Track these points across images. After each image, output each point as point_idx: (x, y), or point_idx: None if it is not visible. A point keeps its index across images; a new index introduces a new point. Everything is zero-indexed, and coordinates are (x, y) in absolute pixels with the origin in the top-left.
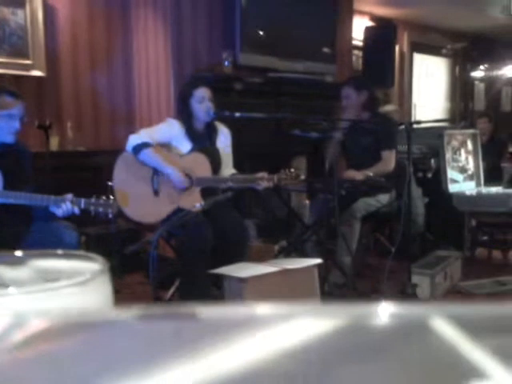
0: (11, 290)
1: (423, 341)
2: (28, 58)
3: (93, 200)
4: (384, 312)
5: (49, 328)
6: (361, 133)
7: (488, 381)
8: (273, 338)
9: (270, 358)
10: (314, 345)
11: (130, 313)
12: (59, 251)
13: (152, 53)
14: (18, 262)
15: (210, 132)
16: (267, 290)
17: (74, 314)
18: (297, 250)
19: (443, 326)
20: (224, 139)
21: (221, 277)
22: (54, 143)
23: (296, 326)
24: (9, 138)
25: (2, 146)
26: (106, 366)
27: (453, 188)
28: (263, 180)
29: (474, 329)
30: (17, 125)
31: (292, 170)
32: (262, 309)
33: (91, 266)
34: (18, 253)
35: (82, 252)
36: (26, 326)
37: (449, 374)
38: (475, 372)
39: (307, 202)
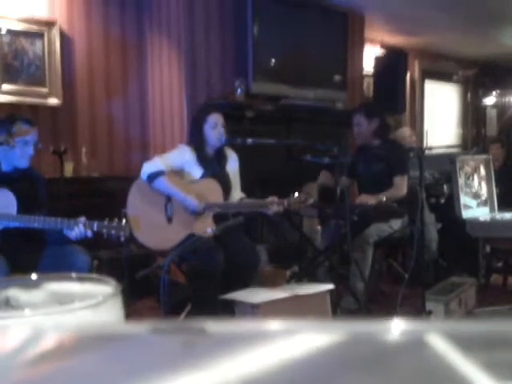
0: (27, 311)
1: (419, 354)
2: (45, 87)
3: (105, 223)
4: (384, 328)
5: (65, 341)
6: (372, 159)
7: None
8: (279, 350)
9: (275, 370)
10: (317, 357)
11: (142, 327)
12: (73, 274)
13: (166, 81)
14: (33, 285)
15: (220, 157)
16: (279, 315)
17: (89, 328)
18: (309, 275)
19: (438, 341)
20: (233, 164)
21: (232, 302)
22: (69, 169)
23: (301, 340)
24: (23, 164)
25: (16, 171)
26: (120, 378)
27: (466, 214)
28: (273, 204)
29: (467, 344)
30: (30, 151)
31: (301, 194)
32: (270, 324)
33: (104, 289)
34: (33, 276)
35: (94, 275)
36: (44, 340)
37: None
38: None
39: (319, 227)
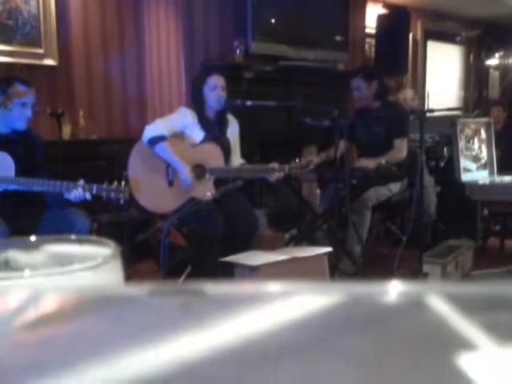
0: (26, 272)
1: (418, 316)
2: (40, 47)
3: (104, 186)
4: (382, 289)
5: (64, 303)
6: (372, 121)
7: (477, 352)
8: (277, 312)
9: (274, 331)
10: (316, 319)
11: (141, 289)
12: (72, 236)
13: (163, 41)
14: (32, 246)
15: (221, 122)
16: (278, 277)
17: (88, 290)
18: (307, 238)
19: (438, 303)
20: (233, 129)
21: (231, 265)
22: (67, 132)
23: (299, 302)
24: (20, 126)
25: (13, 133)
26: (119, 339)
27: (465, 177)
28: (274, 171)
29: (467, 306)
30: (29, 113)
31: (303, 159)
32: (268, 286)
33: (103, 251)
34: (32, 238)
35: (94, 237)
36: (42, 301)
37: (440, 346)
38: (466, 344)
39: (318, 191)
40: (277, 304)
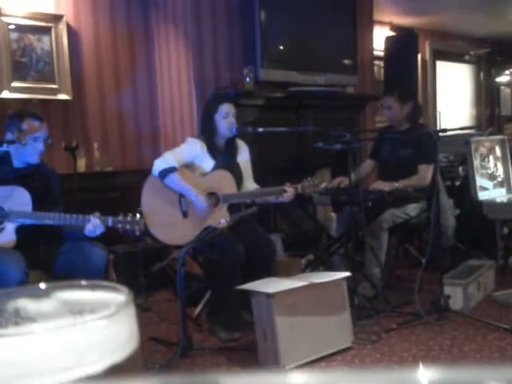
0: (36, 326)
1: None
2: (54, 83)
3: (120, 218)
4: (427, 379)
5: None
6: (399, 144)
7: None
8: None
9: None
10: None
11: (152, 381)
12: (83, 282)
13: (174, 72)
14: (43, 294)
15: (231, 148)
16: (295, 305)
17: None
18: (324, 263)
19: None
20: (243, 154)
21: (248, 293)
22: (81, 165)
23: None
24: (34, 160)
25: (28, 167)
26: None
27: (482, 196)
28: (287, 190)
29: None
30: (41, 147)
31: (314, 177)
32: (292, 377)
33: (116, 297)
34: (43, 285)
35: (106, 283)
36: None
37: None
38: None
39: (333, 214)
40: None
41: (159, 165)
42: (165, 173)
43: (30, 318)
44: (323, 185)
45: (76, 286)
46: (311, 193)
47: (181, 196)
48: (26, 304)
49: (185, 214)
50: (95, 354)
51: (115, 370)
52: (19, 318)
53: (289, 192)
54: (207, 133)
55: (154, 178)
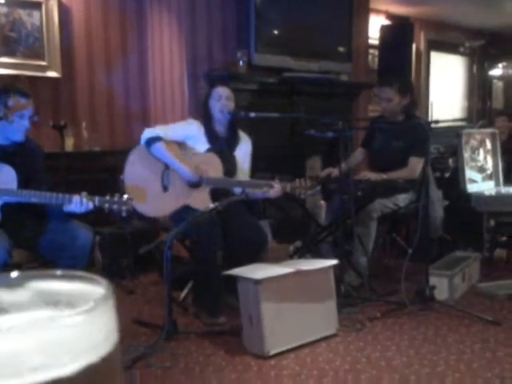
0: (8, 317)
1: None
2: (44, 60)
3: (107, 198)
4: None
5: None
6: (392, 135)
7: None
8: None
9: None
10: None
11: None
12: (59, 272)
13: (167, 52)
14: (17, 283)
15: (231, 138)
16: (282, 291)
17: None
18: (312, 250)
19: None
20: (244, 148)
21: (235, 278)
22: (69, 144)
23: None
24: (18, 137)
25: (13, 145)
26: None
27: (471, 188)
28: (274, 187)
29: None
30: (26, 124)
31: (307, 179)
32: None
33: (95, 290)
34: (16, 274)
35: (84, 273)
36: None
37: None
38: None
39: (322, 202)
40: None
41: (148, 133)
42: (151, 141)
43: (3, 309)
44: (317, 188)
45: (52, 276)
46: (301, 195)
47: (165, 169)
48: None
49: (165, 188)
50: (68, 353)
51: (91, 372)
52: None
53: (276, 188)
54: (204, 117)
55: (141, 147)
